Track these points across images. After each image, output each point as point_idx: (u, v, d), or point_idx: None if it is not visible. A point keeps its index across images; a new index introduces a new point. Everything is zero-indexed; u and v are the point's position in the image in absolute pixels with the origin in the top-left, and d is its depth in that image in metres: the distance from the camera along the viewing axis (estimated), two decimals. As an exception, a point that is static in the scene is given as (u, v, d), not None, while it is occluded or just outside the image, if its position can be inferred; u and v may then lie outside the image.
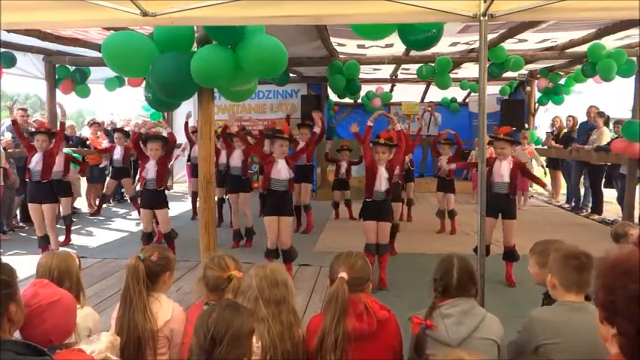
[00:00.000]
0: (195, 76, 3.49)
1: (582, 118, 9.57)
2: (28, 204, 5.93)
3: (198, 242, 4.01)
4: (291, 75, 9.72)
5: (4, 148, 6.99)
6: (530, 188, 9.91)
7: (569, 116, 10.12)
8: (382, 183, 4.85)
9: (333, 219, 8.42)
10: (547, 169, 10.06)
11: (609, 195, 8.86)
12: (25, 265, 5.71)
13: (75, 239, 7.02)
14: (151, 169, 5.65)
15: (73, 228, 7.13)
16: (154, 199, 5.69)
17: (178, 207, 9.19)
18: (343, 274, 2.07)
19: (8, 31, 5.38)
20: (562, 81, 10.30)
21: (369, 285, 2.17)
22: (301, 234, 7.29)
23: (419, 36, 4.01)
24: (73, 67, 8.45)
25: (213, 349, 1.60)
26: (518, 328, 2.20)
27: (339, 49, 7.98)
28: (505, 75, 8.71)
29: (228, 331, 1.61)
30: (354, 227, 7.39)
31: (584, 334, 1.92)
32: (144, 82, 4.86)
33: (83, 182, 9.51)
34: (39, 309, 1.67)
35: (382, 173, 4.85)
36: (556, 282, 2.12)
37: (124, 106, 17.22)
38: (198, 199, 4.82)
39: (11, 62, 7.19)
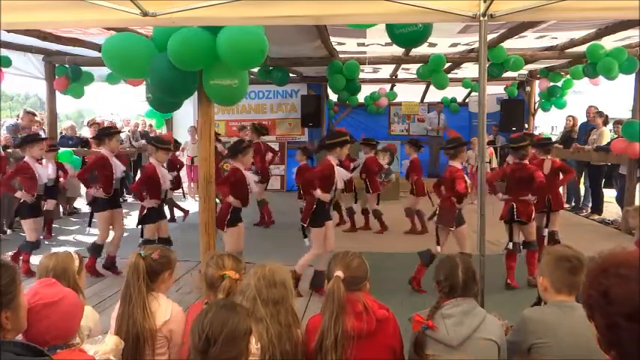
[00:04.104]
0: (171, 55, 3.43)
1: (582, 118, 9.58)
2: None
3: (198, 242, 4.02)
4: (291, 75, 9.71)
5: (4, 147, 6.97)
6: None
7: (569, 116, 10.13)
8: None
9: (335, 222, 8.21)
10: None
11: (609, 195, 8.86)
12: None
13: (75, 239, 7.03)
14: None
15: (72, 228, 7.14)
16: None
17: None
18: (339, 273, 2.08)
19: (8, 31, 5.37)
20: (560, 83, 10.31)
21: (366, 284, 2.17)
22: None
23: (403, 30, 3.97)
24: (69, 65, 8.30)
25: (207, 349, 1.59)
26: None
27: (338, 48, 7.98)
28: (505, 75, 8.70)
29: (223, 331, 1.60)
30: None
31: (574, 334, 1.94)
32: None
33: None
34: (34, 308, 1.67)
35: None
36: (547, 284, 2.13)
37: (124, 106, 17.23)
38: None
39: (8, 62, 7.12)
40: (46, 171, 5.73)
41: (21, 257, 5.49)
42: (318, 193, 4.72)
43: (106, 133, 5.58)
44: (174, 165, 7.84)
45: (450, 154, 5.08)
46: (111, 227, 5.52)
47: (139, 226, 5.27)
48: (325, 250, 4.85)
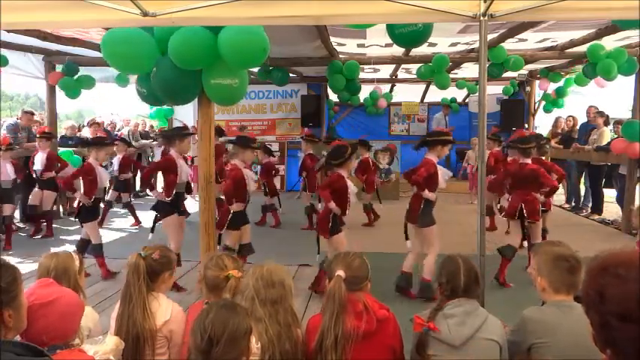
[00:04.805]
0: (172, 54, 3.43)
1: (582, 118, 9.59)
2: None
3: (198, 242, 4.01)
4: (291, 75, 9.71)
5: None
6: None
7: (569, 116, 10.14)
8: None
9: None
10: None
11: (609, 195, 8.86)
12: (22, 265, 5.70)
13: (76, 239, 7.01)
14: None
15: (73, 228, 7.15)
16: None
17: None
18: (340, 272, 2.08)
19: (8, 31, 5.37)
20: (561, 82, 10.30)
21: (367, 284, 2.17)
22: (301, 231, 7.29)
23: (403, 29, 3.95)
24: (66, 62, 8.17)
25: (210, 349, 1.60)
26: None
27: (339, 48, 7.98)
28: (505, 75, 8.71)
29: (225, 331, 1.61)
30: (354, 228, 7.38)
31: (574, 333, 1.94)
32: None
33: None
34: (32, 308, 1.67)
35: None
36: (545, 284, 2.12)
37: (124, 106, 17.25)
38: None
39: (5, 61, 7.00)
40: (107, 175, 5.50)
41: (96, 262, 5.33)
42: (427, 193, 4.64)
43: (178, 133, 5.02)
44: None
45: (526, 153, 5.10)
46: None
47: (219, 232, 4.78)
48: (432, 252, 4.74)
